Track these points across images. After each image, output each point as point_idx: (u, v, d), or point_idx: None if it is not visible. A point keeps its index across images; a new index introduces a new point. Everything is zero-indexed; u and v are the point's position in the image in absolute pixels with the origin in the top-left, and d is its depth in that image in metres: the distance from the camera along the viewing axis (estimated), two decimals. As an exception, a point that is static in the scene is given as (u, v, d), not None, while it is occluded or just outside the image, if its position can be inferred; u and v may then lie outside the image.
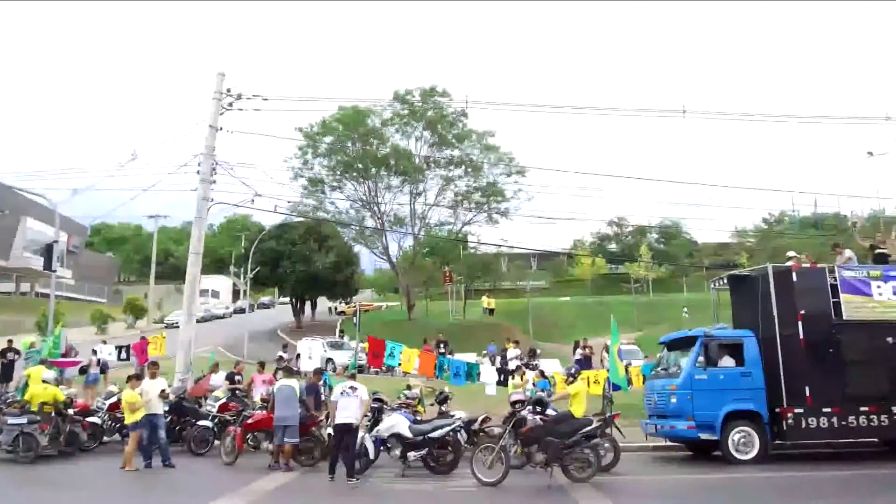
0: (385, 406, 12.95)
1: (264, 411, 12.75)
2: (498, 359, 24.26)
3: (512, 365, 21.19)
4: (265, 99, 18.72)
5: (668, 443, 14.05)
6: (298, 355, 26.48)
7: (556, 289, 57.27)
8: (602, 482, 10.72)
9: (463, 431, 12.36)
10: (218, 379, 16.38)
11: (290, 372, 13.40)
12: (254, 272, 41.37)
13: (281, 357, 20.82)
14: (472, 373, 18.20)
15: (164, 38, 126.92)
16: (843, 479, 11.24)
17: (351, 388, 11.06)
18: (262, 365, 16.79)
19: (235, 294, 68.41)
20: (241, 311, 50.10)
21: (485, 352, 26.76)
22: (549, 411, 12.21)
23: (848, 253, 14.54)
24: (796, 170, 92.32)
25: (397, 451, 11.56)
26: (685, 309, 37.58)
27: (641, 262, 51.95)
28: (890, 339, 12.74)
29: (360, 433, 11.49)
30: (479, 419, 13.35)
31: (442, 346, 25.16)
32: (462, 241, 44.04)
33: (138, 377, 12.95)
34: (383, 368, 21.82)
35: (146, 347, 22.19)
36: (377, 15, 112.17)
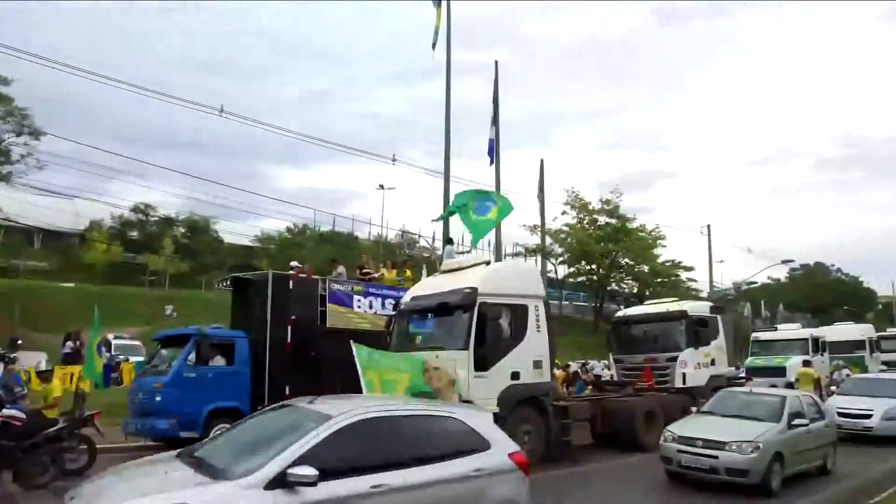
0: None
1: None
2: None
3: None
4: None
5: (152, 442, 13.63)
6: None
7: (63, 273, 51.24)
8: (66, 486, 9.79)
9: None
10: None
11: None
12: None
13: None
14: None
15: None
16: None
17: None
18: None
19: None
20: None
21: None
22: (12, 411, 10.70)
23: (340, 268, 16.30)
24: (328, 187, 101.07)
25: None
26: (170, 307, 37.20)
27: (163, 254, 50.03)
28: (367, 346, 14.55)
29: None
30: None
31: None
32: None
33: None
34: None
35: None
36: None
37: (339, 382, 14.14)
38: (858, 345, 30.29)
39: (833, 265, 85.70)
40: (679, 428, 11.05)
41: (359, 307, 14.88)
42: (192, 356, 12.89)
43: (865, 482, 11.47)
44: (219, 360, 13.21)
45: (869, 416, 15.53)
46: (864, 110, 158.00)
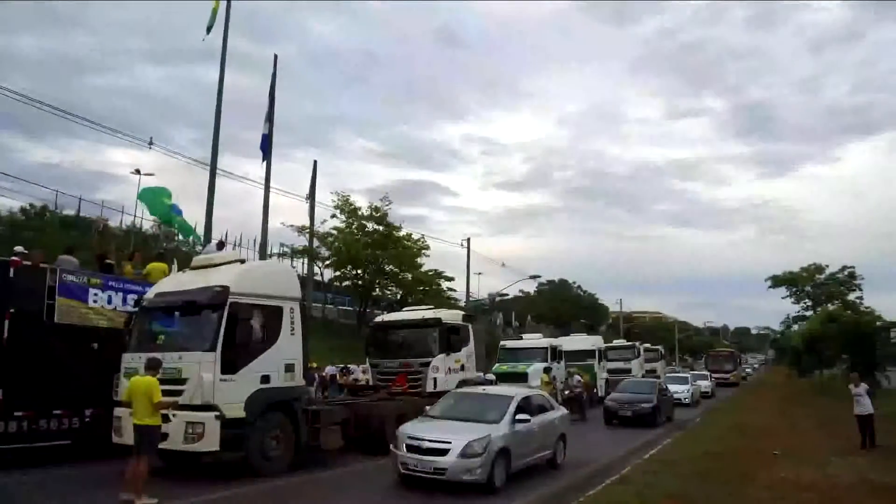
0: None
1: None
2: None
3: None
4: None
5: None
6: None
7: None
8: None
9: None
10: None
11: None
12: None
13: None
14: None
15: None
16: (30, 482, 10.86)
17: None
18: None
19: None
20: None
21: None
22: None
23: (63, 257, 14.61)
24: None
25: None
26: None
27: None
28: (95, 345, 13.20)
29: None
30: None
31: None
32: None
33: None
34: None
35: None
36: None
37: (66, 384, 12.73)
38: (590, 354, 33.89)
39: (575, 282, 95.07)
40: None
41: (95, 301, 13.44)
42: None
43: None
44: None
45: (444, 453, 10.35)
46: (608, 147, 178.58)
